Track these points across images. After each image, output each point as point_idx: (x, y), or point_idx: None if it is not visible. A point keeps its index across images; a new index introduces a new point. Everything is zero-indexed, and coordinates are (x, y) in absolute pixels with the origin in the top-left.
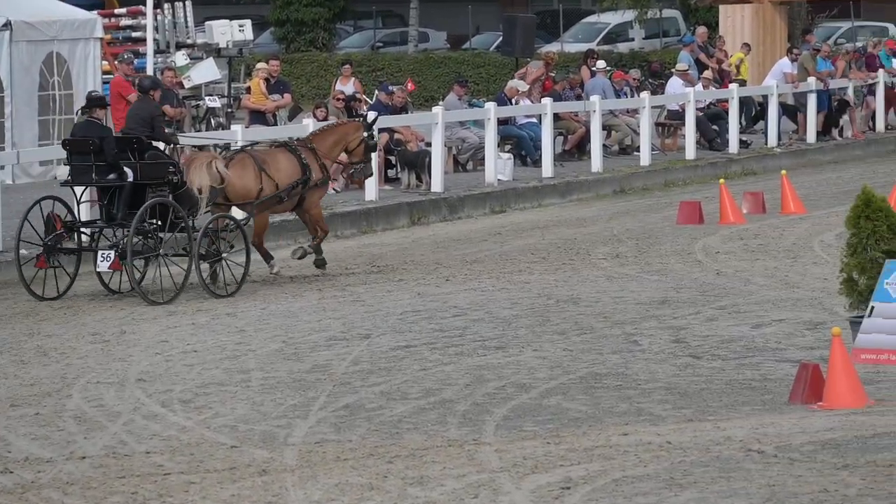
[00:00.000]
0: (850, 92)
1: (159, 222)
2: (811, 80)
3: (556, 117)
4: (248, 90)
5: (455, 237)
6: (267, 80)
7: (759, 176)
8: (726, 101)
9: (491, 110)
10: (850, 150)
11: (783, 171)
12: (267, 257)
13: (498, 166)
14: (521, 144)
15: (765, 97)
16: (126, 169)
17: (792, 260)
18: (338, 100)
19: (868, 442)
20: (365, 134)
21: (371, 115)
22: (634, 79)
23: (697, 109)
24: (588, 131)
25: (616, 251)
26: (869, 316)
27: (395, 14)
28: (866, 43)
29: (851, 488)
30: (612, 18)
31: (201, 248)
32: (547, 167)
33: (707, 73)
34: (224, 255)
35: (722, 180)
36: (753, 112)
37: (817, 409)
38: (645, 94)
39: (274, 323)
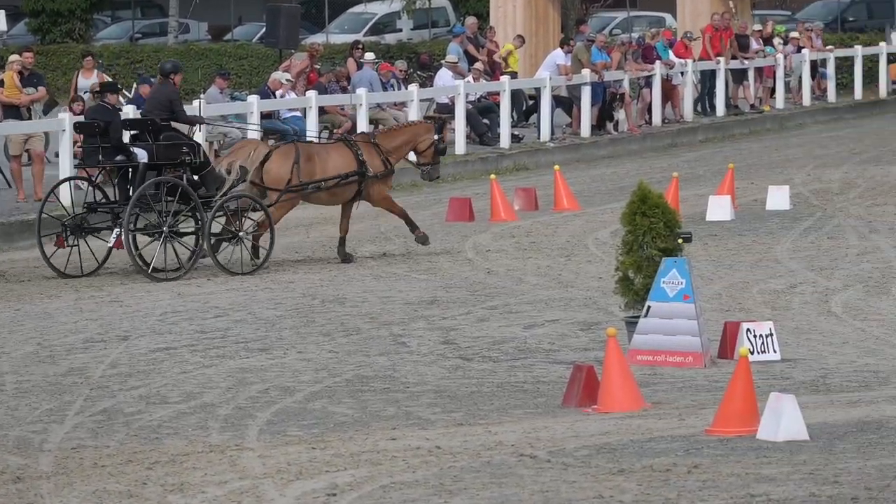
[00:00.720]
0: (626, 84)
1: (175, 202)
2: (585, 72)
3: (322, 111)
4: (1, 83)
5: None
6: (21, 72)
7: (531, 171)
8: (497, 94)
9: (254, 104)
10: (626, 145)
11: (556, 167)
12: (255, 252)
13: None
14: (284, 139)
15: (538, 90)
16: (140, 150)
17: (565, 258)
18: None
19: (644, 446)
20: (436, 137)
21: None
22: (401, 70)
23: (467, 102)
24: (354, 125)
25: (383, 249)
26: (645, 316)
27: (155, 4)
28: (643, 34)
29: (627, 494)
30: (379, 9)
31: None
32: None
33: (477, 66)
34: (241, 234)
35: (493, 176)
36: (525, 106)
37: (592, 412)
38: (413, 87)
39: (28, 325)
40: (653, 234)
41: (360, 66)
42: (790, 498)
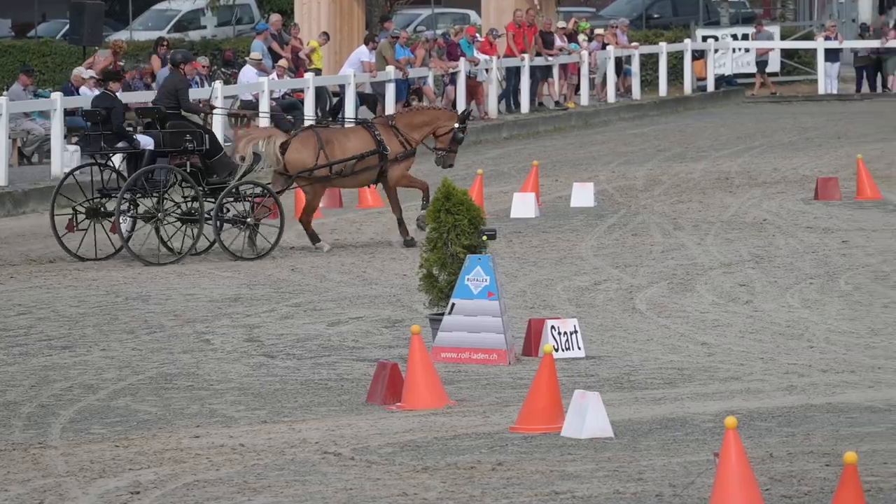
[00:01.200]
0: (430, 81)
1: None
2: (390, 69)
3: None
4: None
5: (20, 233)
6: None
7: None
8: (301, 91)
9: (57, 101)
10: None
11: None
12: (314, 238)
13: (64, 159)
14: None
15: (342, 87)
16: (146, 138)
17: (370, 255)
18: None
19: (448, 443)
20: (456, 125)
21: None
22: (204, 66)
23: (271, 99)
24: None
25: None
26: (449, 313)
27: None
28: (447, 31)
29: (431, 491)
30: (183, 5)
31: (228, 213)
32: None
33: (281, 62)
34: (249, 220)
35: None
36: (330, 103)
37: (396, 409)
38: (217, 84)
39: None
40: (457, 232)
41: (164, 63)
42: (595, 495)
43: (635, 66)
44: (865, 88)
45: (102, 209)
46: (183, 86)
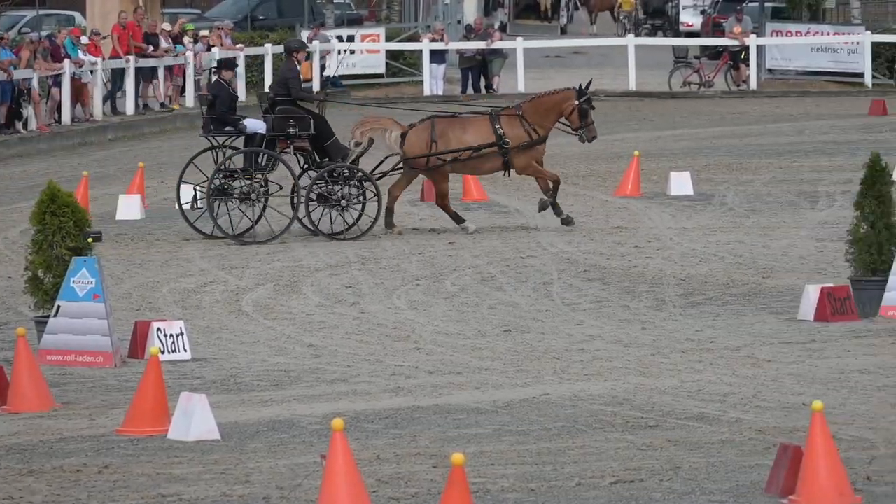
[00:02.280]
0: (35, 83)
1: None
2: None
3: None
4: None
5: None
6: None
7: None
8: None
9: None
10: (35, 144)
11: None
12: (457, 219)
13: None
14: None
15: None
16: (258, 122)
17: None
18: None
19: (54, 446)
20: (576, 102)
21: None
22: None
23: None
24: None
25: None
26: (55, 315)
27: None
28: (52, 32)
29: (37, 495)
30: None
31: (320, 192)
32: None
33: None
34: (344, 202)
35: None
36: None
37: (2, 412)
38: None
39: None
40: (62, 234)
41: None
42: (201, 498)
43: (241, 67)
44: (471, 90)
45: (228, 188)
46: (292, 74)
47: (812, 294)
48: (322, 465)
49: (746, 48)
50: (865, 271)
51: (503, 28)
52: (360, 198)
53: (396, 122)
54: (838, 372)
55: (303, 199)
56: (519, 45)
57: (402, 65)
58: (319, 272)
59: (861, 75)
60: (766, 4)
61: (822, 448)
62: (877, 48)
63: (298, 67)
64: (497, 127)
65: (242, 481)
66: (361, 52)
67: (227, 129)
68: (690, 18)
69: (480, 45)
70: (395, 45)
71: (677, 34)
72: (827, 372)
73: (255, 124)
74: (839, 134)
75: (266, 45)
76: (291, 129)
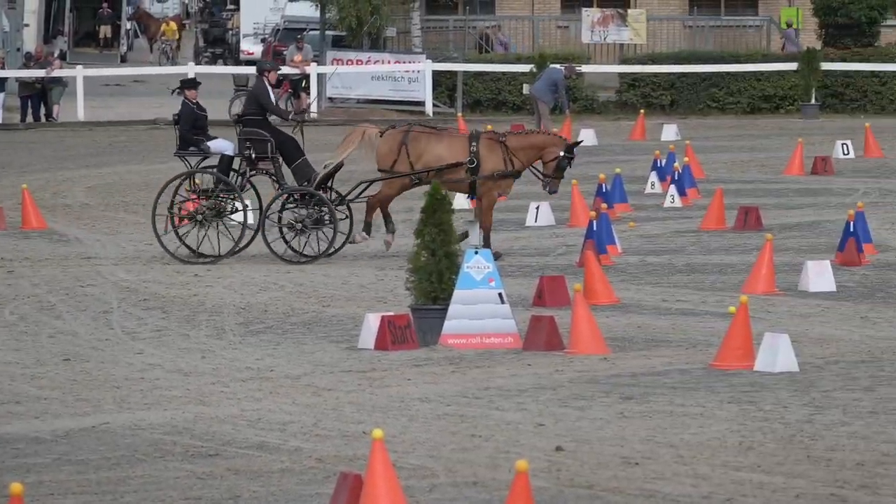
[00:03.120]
0: None
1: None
2: None
3: None
4: None
5: None
6: None
7: None
8: None
9: None
10: None
11: None
12: (366, 227)
13: None
14: None
15: None
16: (222, 143)
17: None
18: None
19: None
20: (561, 153)
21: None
22: None
23: None
24: None
25: None
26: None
27: None
28: None
29: None
30: None
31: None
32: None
33: None
34: (299, 226)
35: None
36: None
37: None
38: None
39: None
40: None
41: None
42: None
43: None
44: (31, 118)
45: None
46: (260, 91)
47: (372, 322)
48: None
49: (307, 76)
50: (426, 300)
51: (63, 56)
52: (325, 220)
53: (372, 125)
54: (399, 400)
55: (272, 224)
56: (79, 73)
57: None
58: None
59: (422, 103)
60: (327, 33)
61: (381, 476)
62: (438, 76)
63: (268, 87)
64: (473, 145)
65: None
66: None
67: (191, 149)
68: (251, 47)
69: (40, 73)
70: None
71: (238, 62)
72: (387, 400)
73: (221, 145)
74: None
75: None
76: (247, 152)
